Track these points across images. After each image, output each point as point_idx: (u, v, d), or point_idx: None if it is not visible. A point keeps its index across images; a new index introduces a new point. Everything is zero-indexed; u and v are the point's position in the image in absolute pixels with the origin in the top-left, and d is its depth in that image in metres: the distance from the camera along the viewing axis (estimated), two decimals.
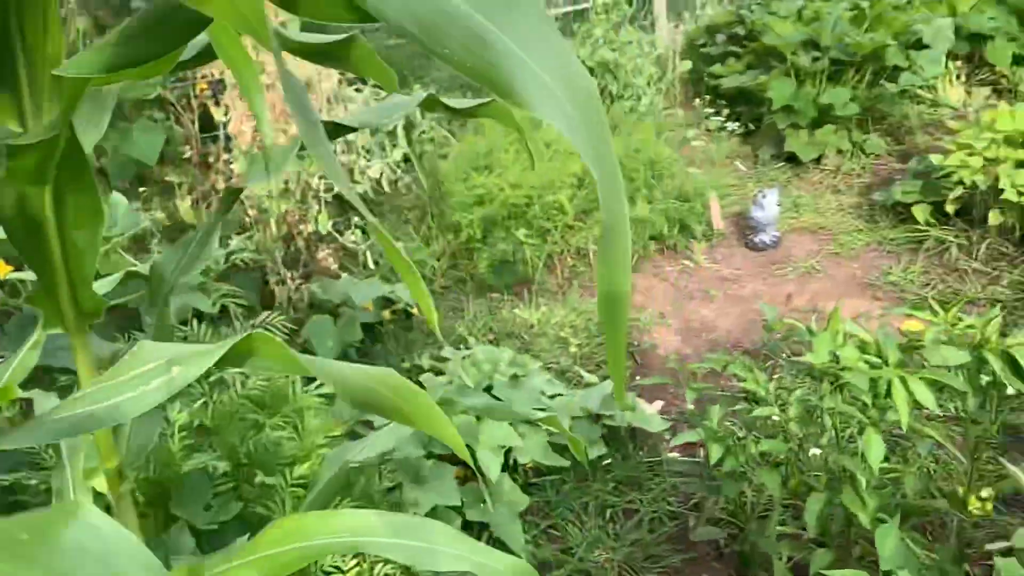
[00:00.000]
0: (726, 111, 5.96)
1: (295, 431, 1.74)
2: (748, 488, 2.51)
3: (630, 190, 4.72)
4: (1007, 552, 2.18)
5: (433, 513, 2.50)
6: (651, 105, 6.10)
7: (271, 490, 1.58)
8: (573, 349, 3.68)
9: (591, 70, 6.09)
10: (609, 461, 2.98)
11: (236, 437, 1.61)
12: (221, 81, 4.22)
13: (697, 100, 6.29)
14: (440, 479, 2.59)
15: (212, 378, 1.69)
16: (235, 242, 2.27)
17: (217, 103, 4.15)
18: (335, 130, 1.25)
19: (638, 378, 3.53)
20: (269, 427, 1.67)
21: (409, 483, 2.56)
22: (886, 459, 2.72)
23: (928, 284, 3.85)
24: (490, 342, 3.93)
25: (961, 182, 3.94)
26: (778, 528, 2.28)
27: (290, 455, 1.66)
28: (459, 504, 2.54)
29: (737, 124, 5.83)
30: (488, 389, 3.03)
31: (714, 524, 2.54)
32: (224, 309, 3.30)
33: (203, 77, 4.19)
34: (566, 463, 2.85)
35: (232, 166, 3.92)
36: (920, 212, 4.20)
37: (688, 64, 6.35)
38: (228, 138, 4.02)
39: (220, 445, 1.61)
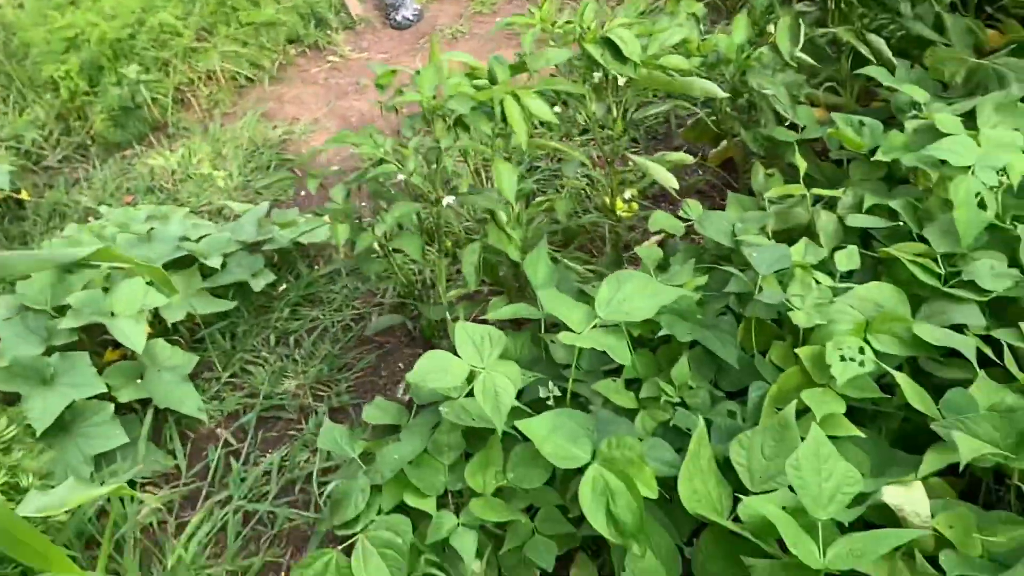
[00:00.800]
0: None
1: None
2: (419, 265, 2.36)
3: None
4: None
5: (72, 409, 2.08)
6: None
7: None
8: (221, 184, 3.22)
9: None
10: (285, 286, 2.69)
11: None
12: None
13: None
14: (71, 371, 2.14)
15: None
16: None
17: None
18: None
19: (302, 193, 3.19)
20: None
21: (32, 389, 2.09)
22: (541, 193, 2.70)
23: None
24: (128, 204, 3.33)
25: None
26: (453, 292, 2.17)
27: None
28: (104, 390, 2.14)
29: None
30: None
31: (395, 311, 2.39)
32: None
33: None
34: (231, 304, 2.51)
35: None
36: None
37: None
38: None
39: None
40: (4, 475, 1.53)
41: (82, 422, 2.11)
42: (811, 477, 1.30)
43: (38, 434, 1.99)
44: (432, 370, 1.46)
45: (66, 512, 1.69)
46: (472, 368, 1.48)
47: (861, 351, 1.56)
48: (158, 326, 2.50)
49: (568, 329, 1.58)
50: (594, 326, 1.57)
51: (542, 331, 1.84)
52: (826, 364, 1.56)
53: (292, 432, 2.21)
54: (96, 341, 2.40)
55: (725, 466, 1.53)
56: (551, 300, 1.60)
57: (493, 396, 1.41)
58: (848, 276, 1.80)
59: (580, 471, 1.46)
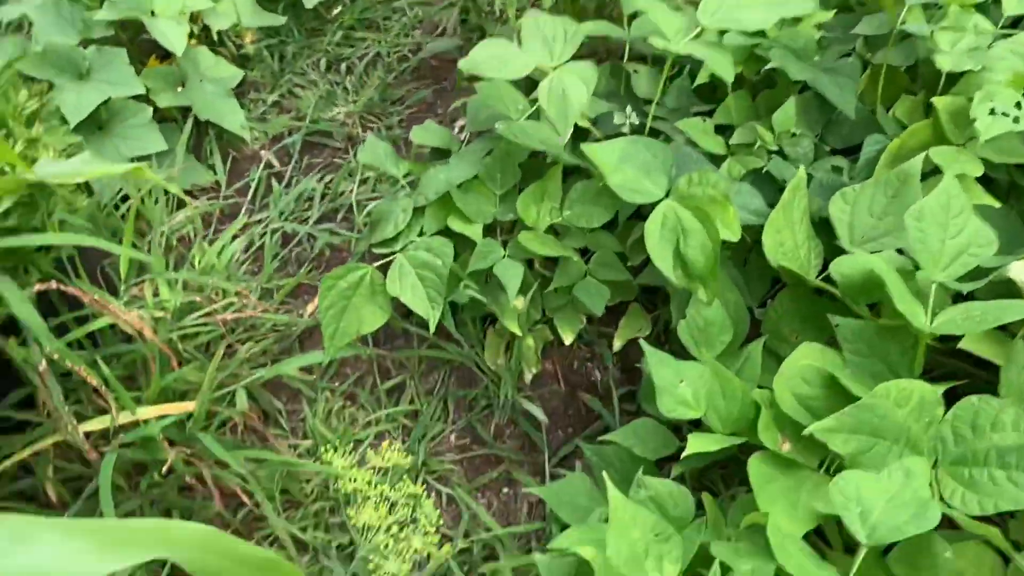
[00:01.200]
0: None
1: None
2: None
3: None
4: None
5: (108, 107, 1.94)
6: None
7: None
8: None
9: None
10: (340, 8, 2.42)
11: None
12: None
13: None
14: (108, 67, 1.98)
15: None
16: None
17: None
18: None
19: None
20: None
21: (66, 80, 1.94)
22: None
23: None
24: None
25: None
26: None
27: None
28: (143, 92, 1.98)
29: None
30: None
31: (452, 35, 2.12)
32: None
33: None
34: (281, 19, 2.27)
35: None
36: None
37: None
38: None
39: None
40: (21, 145, 1.41)
41: (118, 122, 1.98)
42: (934, 231, 1.08)
43: (71, 127, 1.87)
44: (490, 58, 1.23)
45: (86, 194, 1.59)
46: (538, 66, 1.24)
47: (1018, 106, 1.27)
48: (203, 38, 2.30)
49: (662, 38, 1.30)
50: (695, 36, 1.29)
51: (624, 60, 1.57)
52: (968, 119, 1.28)
53: (338, 160, 2.05)
54: (136, 44, 2.22)
55: (820, 226, 1.31)
56: (645, 1, 1.31)
57: (560, 98, 1.18)
58: (1015, 24, 1.45)
59: (648, 211, 1.27)
